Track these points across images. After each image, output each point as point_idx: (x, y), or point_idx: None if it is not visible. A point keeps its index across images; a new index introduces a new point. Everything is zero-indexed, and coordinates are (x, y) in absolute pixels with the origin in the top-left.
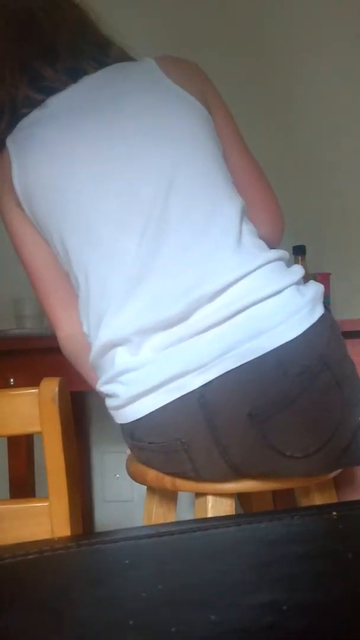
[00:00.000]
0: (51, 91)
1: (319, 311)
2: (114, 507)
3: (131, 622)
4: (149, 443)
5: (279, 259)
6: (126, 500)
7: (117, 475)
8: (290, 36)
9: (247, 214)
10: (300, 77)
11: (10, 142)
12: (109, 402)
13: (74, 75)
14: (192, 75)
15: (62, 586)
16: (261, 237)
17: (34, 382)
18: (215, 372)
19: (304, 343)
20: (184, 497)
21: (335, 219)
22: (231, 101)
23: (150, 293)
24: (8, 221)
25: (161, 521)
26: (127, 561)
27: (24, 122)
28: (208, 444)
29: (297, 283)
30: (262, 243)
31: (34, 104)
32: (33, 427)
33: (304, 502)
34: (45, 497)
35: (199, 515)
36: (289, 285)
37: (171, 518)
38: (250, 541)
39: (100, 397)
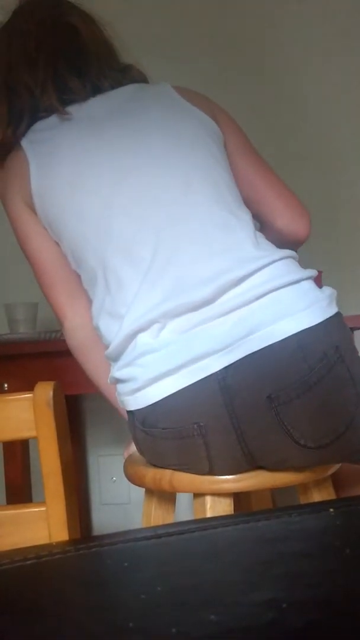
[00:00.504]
0: (72, 102)
1: (335, 308)
2: (111, 510)
3: (131, 625)
4: (163, 429)
5: (293, 256)
6: (123, 503)
7: (114, 478)
8: (290, 39)
9: (259, 217)
10: (293, 77)
11: (26, 142)
12: (123, 388)
13: (95, 92)
14: (202, 98)
15: (61, 591)
16: (279, 230)
17: (28, 387)
18: (239, 354)
19: (322, 331)
20: (182, 499)
21: (326, 216)
22: (226, 102)
23: (174, 279)
24: (14, 217)
25: (160, 523)
26: (126, 563)
27: (40, 125)
28: (226, 428)
29: (313, 279)
30: (272, 244)
31: (54, 111)
32: (28, 432)
33: (302, 499)
34: (42, 502)
35: (198, 516)
36: (307, 278)
37: (170, 520)
38: (249, 540)
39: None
